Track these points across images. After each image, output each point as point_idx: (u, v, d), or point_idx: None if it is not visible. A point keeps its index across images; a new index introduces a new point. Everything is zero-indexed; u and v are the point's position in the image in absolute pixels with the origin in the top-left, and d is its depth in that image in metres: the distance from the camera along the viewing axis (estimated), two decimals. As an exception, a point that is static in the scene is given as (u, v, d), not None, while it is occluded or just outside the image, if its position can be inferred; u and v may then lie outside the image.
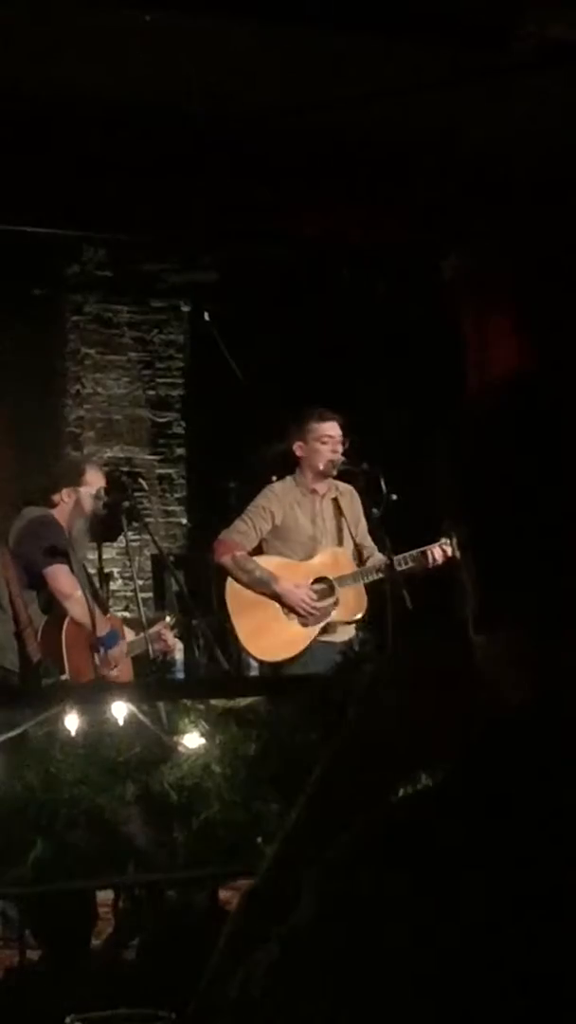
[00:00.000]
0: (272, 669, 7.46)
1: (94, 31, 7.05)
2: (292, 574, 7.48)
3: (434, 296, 9.61)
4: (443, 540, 7.22)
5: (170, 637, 7.24)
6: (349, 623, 7.53)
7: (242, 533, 7.52)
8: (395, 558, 7.27)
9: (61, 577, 6.81)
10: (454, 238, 9.34)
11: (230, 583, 7.50)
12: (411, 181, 8.78)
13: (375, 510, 7.50)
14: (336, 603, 7.47)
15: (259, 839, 4.39)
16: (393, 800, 1.45)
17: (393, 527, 7.46)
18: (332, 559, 7.54)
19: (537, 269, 9.14)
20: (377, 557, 7.47)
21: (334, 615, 7.49)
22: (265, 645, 7.49)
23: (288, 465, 7.77)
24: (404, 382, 9.31)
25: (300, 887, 1.29)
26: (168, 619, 7.30)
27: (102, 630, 6.77)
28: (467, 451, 1.41)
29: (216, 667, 7.48)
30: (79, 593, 6.77)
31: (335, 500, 7.59)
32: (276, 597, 7.44)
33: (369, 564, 7.51)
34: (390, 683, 1.53)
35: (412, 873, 1.24)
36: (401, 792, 1.47)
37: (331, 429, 7.52)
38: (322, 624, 7.47)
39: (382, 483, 7.46)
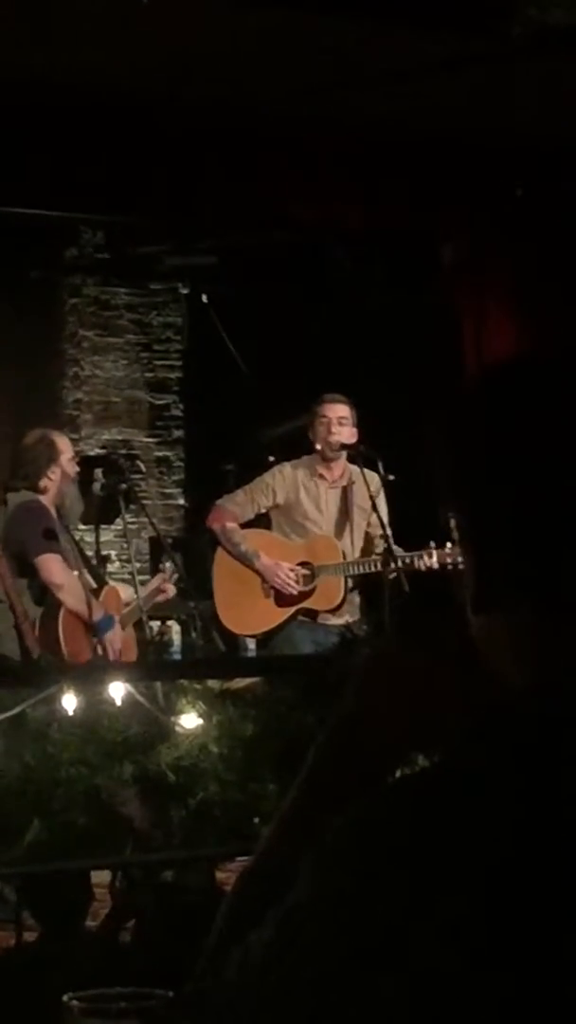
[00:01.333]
0: (258, 645, 7.52)
1: (92, 13, 7.03)
2: (277, 551, 7.51)
3: (432, 281, 9.60)
4: (431, 544, 7.17)
5: (170, 588, 7.26)
6: (324, 612, 7.50)
7: (238, 504, 7.56)
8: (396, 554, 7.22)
9: (53, 566, 6.78)
10: (453, 223, 9.32)
11: (219, 550, 7.57)
12: (410, 166, 8.77)
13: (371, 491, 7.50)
14: (314, 589, 7.48)
15: (256, 819, 4.40)
16: (389, 782, 1.46)
17: (394, 508, 7.47)
18: (320, 545, 7.52)
19: (535, 254, 9.14)
20: (375, 555, 7.42)
21: (309, 602, 7.49)
22: (236, 616, 7.56)
23: (286, 447, 7.79)
24: (402, 366, 9.30)
25: (296, 868, 1.30)
26: (166, 565, 7.33)
27: (97, 615, 6.76)
28: (464, 434, 1.41)
29: (213, 648, 7.50)
30: (72, 581, 6.75)
31: (345, 488, 7.56)
32: (256, 572, 7.47)
33: (356, 558, 7.46)
34: (387, 665, 1.53)
35: (408, 855, 1.24)
36: (398, 774, 1.47)
37: (328, 410, 7.50)
38: (297, 607, 7.48)
39: (379, 465, 7.47)
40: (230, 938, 1.37)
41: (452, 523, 1.41)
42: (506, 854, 1.23)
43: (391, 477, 7.45)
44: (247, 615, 7.54)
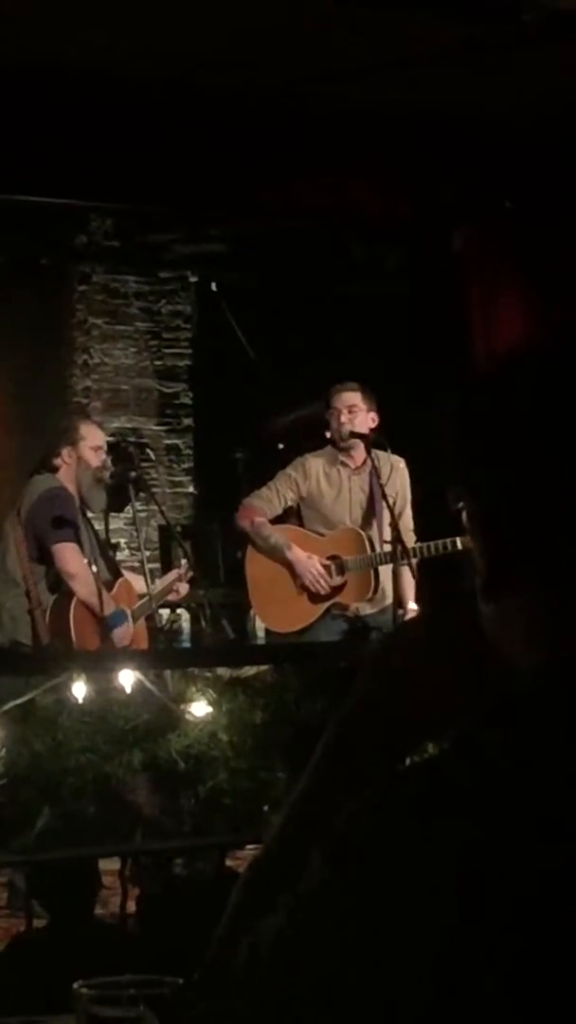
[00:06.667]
0: (282, 640, 7.47)
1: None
2: (305, 547, 7.46)
3: (443, 268, 9.59)
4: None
5: (183, 588, 7.26)
6: (354, 605, 7.45)
7: (265, 499, 7.50)
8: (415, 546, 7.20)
9: (68, 555, 6.80)
10: (463, 210, 9.31)
11: (250, 549, 7.52)
12: (421, 153, 8.75)
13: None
14: (344, 584, 7.45)
15: (266, 807, 4.41)
16: (400, 769, 1.46)
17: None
18: (346, 538, 7.45)
19: (545, 241, 9.12)
20: (400, 541, 7.35)
21: (340, 596, 7.46)
22: (275, 614, 7.51)
23: (295, 435, 7.79)
24: (412, 353, 9.30)
25: (306, 856, 1.30)
26: (182, 562, 7.33)
27: (108, 609, 6.78)
28: (473, 420, 1.41)
29: (222, 636, 7.51)
30: (85, 573, 6.77)
31: (371, 474, 7.47)
32: (288, 564, 7.41)
33: (383, 550, 7.39)
34: (398, 652, 1.53)
35: (419, 842, 1.24)
36: (408, 761, 1.47)
37: (337, 400, 7.45)
38: (329, 603, 7.45)
39: (388, 451, 7.45)
40: (240, 926, 1.37)
41: (462, 510, 1.41)
42: (519, 838, 1.22)
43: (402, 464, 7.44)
44: (285, 613, 7.47)
